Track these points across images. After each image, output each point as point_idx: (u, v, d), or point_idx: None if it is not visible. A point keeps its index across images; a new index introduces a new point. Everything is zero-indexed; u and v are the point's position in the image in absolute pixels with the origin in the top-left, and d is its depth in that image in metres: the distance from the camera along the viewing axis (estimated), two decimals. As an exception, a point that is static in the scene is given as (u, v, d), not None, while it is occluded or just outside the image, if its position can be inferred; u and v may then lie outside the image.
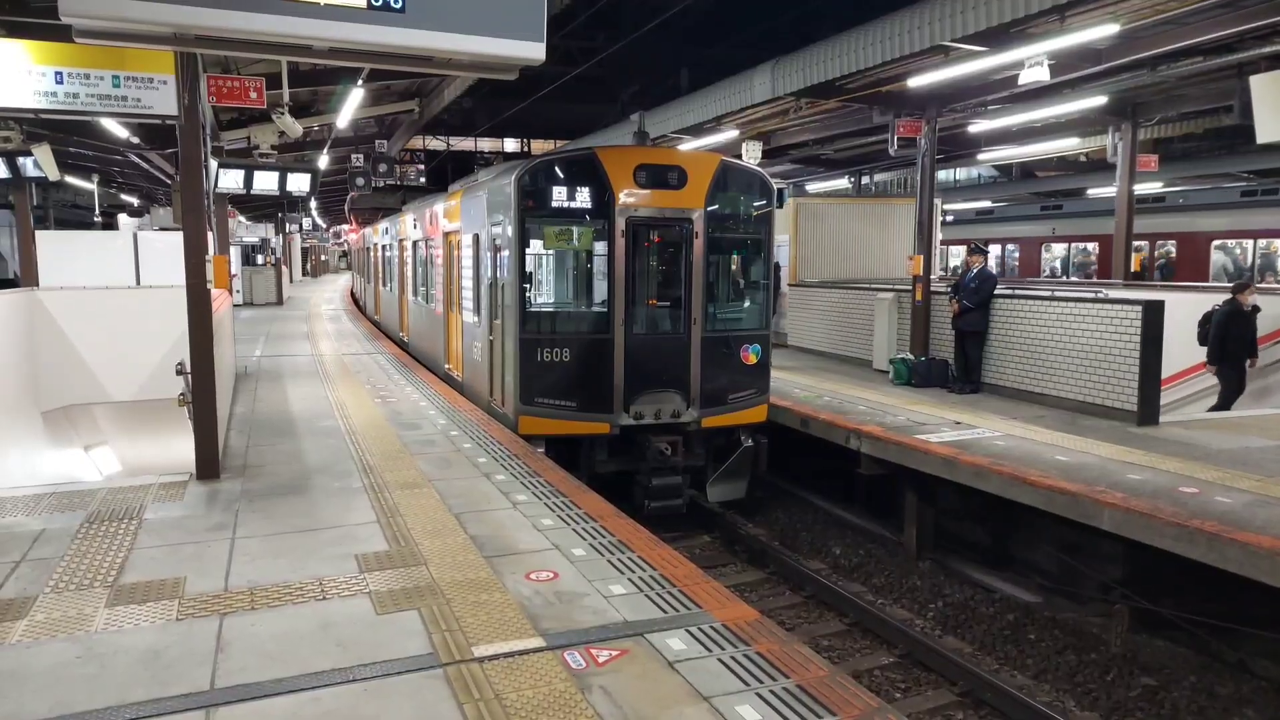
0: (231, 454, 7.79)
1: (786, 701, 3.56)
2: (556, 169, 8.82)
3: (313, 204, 36.74)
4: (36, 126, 11.77)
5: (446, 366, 12.36)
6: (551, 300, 9.37)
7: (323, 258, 65.44)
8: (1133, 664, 6.59)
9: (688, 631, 4.19)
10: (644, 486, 8.92)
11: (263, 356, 15.10)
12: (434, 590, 4.66)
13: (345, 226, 50.81)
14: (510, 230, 8.67)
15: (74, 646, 4.02)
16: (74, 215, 28.66)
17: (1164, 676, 6.41)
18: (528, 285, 8.81)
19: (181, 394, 7.23)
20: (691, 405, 9.02)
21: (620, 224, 8.64)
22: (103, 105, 6.59)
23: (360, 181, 20.06)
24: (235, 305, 18.47)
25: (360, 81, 12.52)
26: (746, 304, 9.74)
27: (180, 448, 8.29)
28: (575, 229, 8.78)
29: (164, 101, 6.64)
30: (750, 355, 9.33)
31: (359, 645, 4.02)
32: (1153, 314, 8.95)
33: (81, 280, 14.25)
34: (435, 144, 40.79)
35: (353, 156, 20.57)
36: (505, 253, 8.85)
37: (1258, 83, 9.42)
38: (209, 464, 6.98)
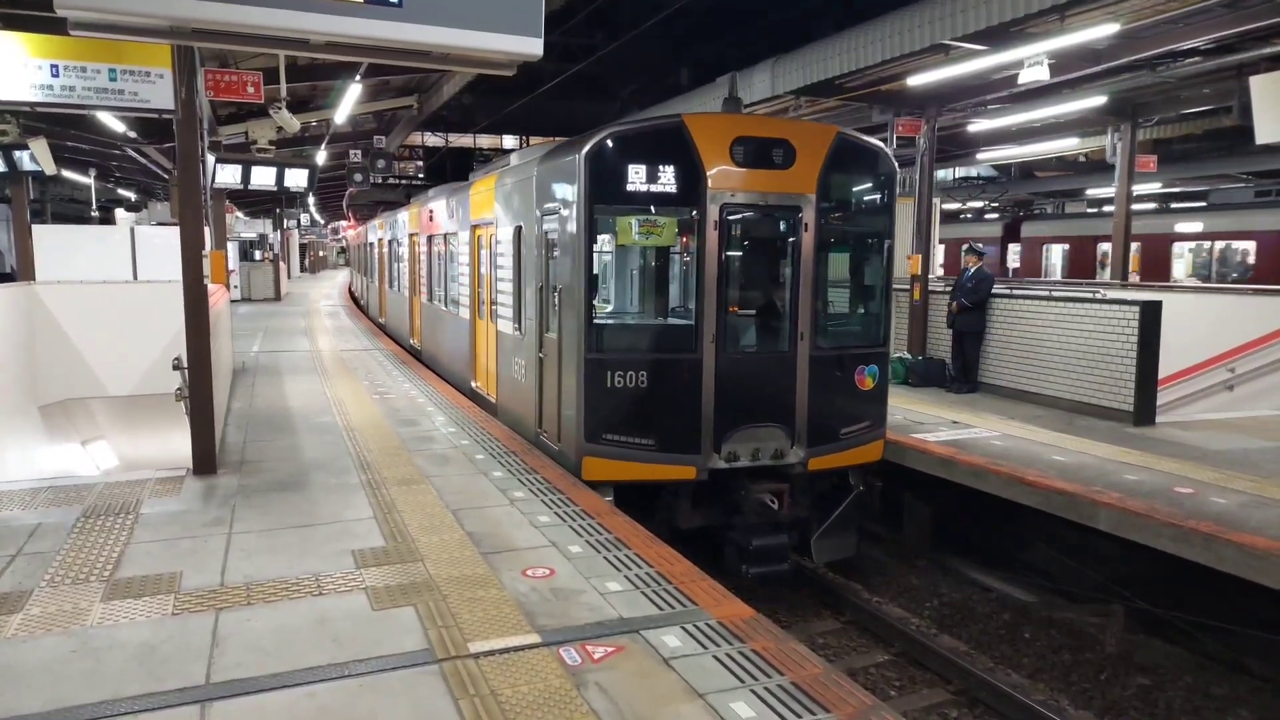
0: (228, 449, 7.78)
1: (781, 699, 3.56)
2: (636, 142, 6.96)
3: (311, 200, 36.69)
4: (33, 120, 11.75)
5: (474, 384, 10.66)
6: (624, 310, 7.86)
7: (321, 254, 65.35)
8: (1128, 663, 6.60)
9: (683, 629, 4.19)
10: (740, 547, 7.18)
11: (260, 352, 15.08)
12: (430, 586, 4.66)
13: (344, 222, 50.75)
14: (574, 221, 6.92)
15: (69, 641, 4.01)
16: (71, 210, 28.63)
17: (1159, 676, 6.42)
18: (594, 291, 7.08)
19: (179, 389, 7.21)
20: (797, 443, 7.28)
21: (713, 213, 6.92)
22: (99, 99, 6.59)
23: (359, 177, 20.06)
24: (233, 301, 18.47)
25: (358, 77, 12.49)
26: (862, 313, 8.03)
27: (177, 443, 8.27)
28: (658, 219, 6.98)
29: (161, 95, 6.64)
30: (866, 378, 7.60)
31: (355, 641, 4.02)
32: (1150, 315, 8.96)
33: (79, 275, 14.21)
34: (434, 140, 40.74)
35: (351, 152, 20.56)
36: (565, 250, 7.18)
37: (1257, 83, 9.43)
38: (206, 459, 6.97)
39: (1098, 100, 12.76)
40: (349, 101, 13.88)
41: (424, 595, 4.54)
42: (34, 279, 12.87)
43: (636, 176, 6.83)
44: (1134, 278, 18.75)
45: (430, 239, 13.72)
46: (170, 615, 4.29)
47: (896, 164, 7.84)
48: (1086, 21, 8.61)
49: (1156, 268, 19.81)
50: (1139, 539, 6.10)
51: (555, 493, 6.47)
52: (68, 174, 21.88)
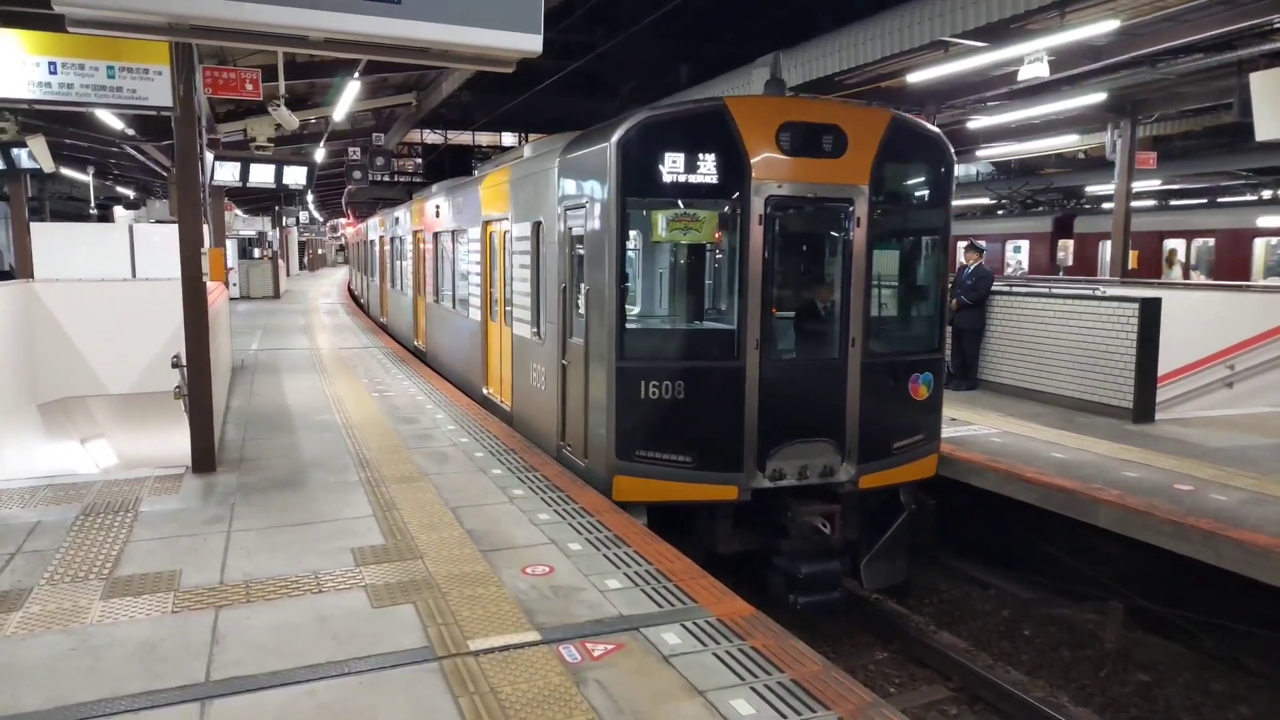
0: (228, 447, 7.77)
1: (781, 696, 3.56)
2: (673, 128, 6.36)
3: (310, 197, 36.66)
4: (31, 117, 11.74)
5: (486, 390, 10.04)
6: (658, 313, 7.20)
7: (320, 251, 65.31)
8: (1127, 660, 6.60)
9: (683, 626, 4.18)
10: (787, 574, 6.56)
11: (259, 350, 15.07)
12: (430, 584, 4.66)
13: (343, 220, 50.71)
14: (603, 216, 6.35)
15: (69, 639, 4.01)
16: (70, 207, 28.60)
17: (1158, 673, 6.43)
18: (626, 293, 6.46)
19: (177, 387, 7.21)
20: (847, 459, 6.68)
21: (757, 206, 6.32)
22: (97, 96, 6.57)
23: (357, 175, 20.04)
24: (232, 299, 18.45)
25: (357, 74, 12.48)
26: (916, 316, 7.43)
27: (176, 441, 8.27)
28: (697, 213, 6.34)
29: (159, 93, 6.62)
30: (920, 387, 7.00)
31: (355, 639, 4.02)
32: (1149, 311, 8.96)
33: (77, 273, 14.20)
34: (433, 138, 40.69)
35: (350, 150, 20.55)
36: (592, 247, 6.58)
37: (1257, 80, 9.43)
38: (205, 457, 6.96)
39: (1097, 97, 12.76)
40: (348, 99, 13.87)
41: (423, 593, 4.54)
42: (32, 277, 12.86)
43: (673, 166, 6.20)
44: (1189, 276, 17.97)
45: (436, 236, 13.06)
46: (170, 613, 4.29)
47: (954, 152, 7.20)
48: (1087, 18, 8.61)
49: (1238, 266, 17.98)
50: (1139, 536, 6.10)
51: (554, 490, 6.46)
52: (66, 172, 21.87)
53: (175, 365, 7.20)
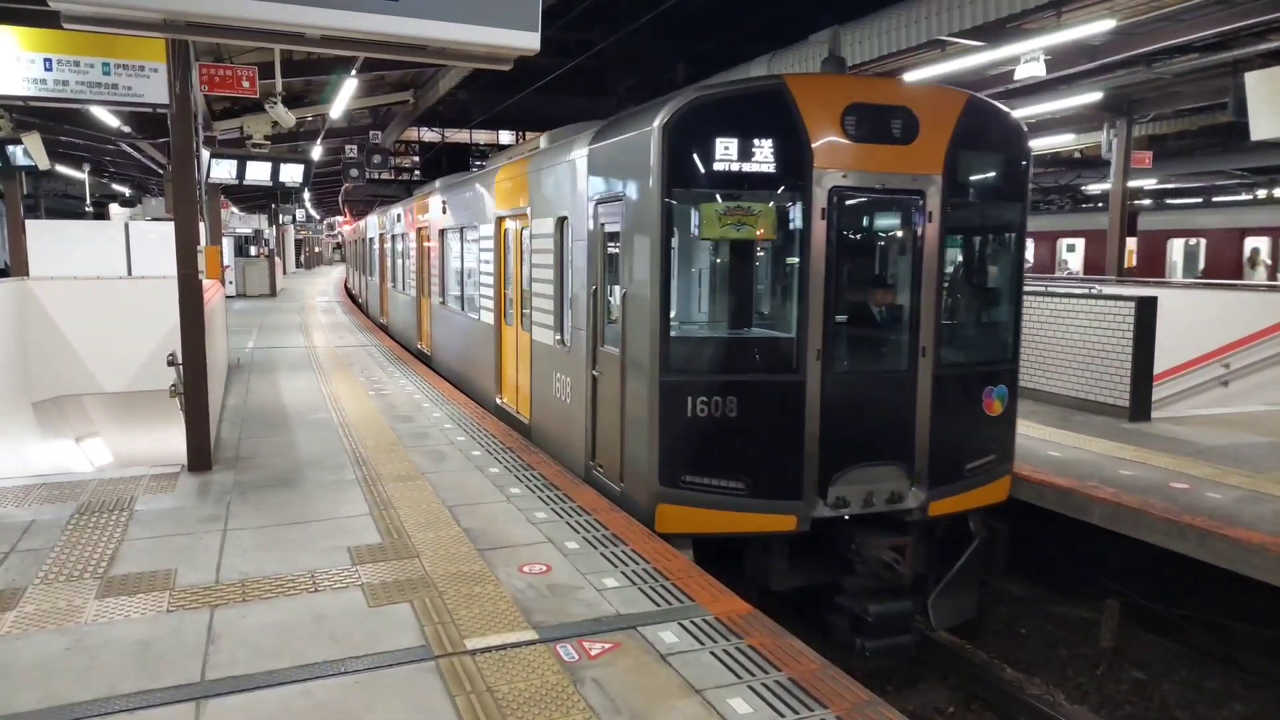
0: (224, 446, 7.76)
1: (778, 694, 3.56)
2: (727, 109, 5.67)
3: (306, 195, 36.61)
4: (26, 114, 11.70)
5: (500, 400, 9.43)
6: (705, 319, 6.49)
7: (316, 249, 65.21)
8: (1123, 658, 6.62)
9: (680, 625, 4.18)
10: (853, 615, 5.90)
11: (256, 348, 15.04)
12: (426, 583, 4.65)
13: (339, 218, 50.64)
14: (645, 210, 5.70)
15: (64, 638, 4.00)
16: (65, 205, 28.52)
17: (1154, 670, 6.44)
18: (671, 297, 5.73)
19: (173, 385, 7.19)
20: (916, 483, 6.00)
21: (820, 197, 5.64)
22: (93, 93, 6.55)
23: (354, 173, 20.00)
24: (228, 297, 18.40)
25: (354, 71, 12.46)
26: (990, 322, 6.75)
27: (172, 439, 8.25)
28: (752, 206, 5.64)
29: (155, 90, 6.60)
30: (994, 402, 6.34)
31: (351, 638, 4.01)
32: (1145, 310, 8.97)
33: (73, 270, 14.16)
34: (430, 136, 40.64)
35: (346, 147, 20.51)
36: (631, 245, 5.95)
37: (1253, 80, 9.45)
38: (201, 456, 6.95)
39: (1093, 96, 12.78)
40: (344, 96, 13.85)
41: (420, 592, 4.53)
42: (27, 274, 12.82)
43: (726, 152, 5.50)
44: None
45: (443, 234, 12.30)
46: (165, 612, 4.28)
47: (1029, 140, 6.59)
48: (1083, 18, 8.62)
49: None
50: (1134, 534, 6.11)
51: (552, 489, 6.46)
52: (61, 169, 21.80)
53: (171, 363, 7.18)
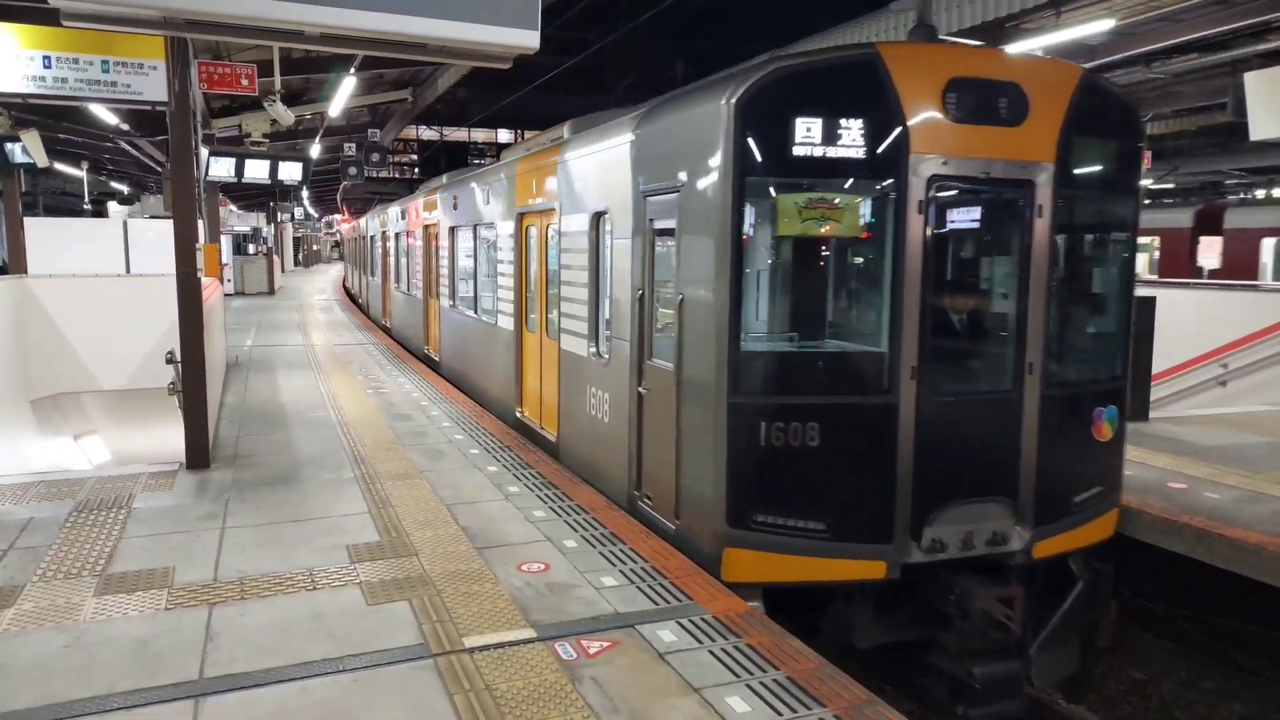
0: (222, 444, 7.75)
1: (776, 693, 3.57)
2: (811, 84, 4.85)
3: (305, 193, 36.61)
4: (24, 112, 11.68)
5: (521, 413, 8.65)
6: (778, 330, 5.49)
7: (315, 247, 65.20)
8: (1121, 657, 6.63)
9: (679, 623, 4.19)
10: (953, 678, 5.11)
11: (254, 346, 15.03)
12: (425, 581, 4.65)
13: (338, 216, 50.61)
14: (711, 203, 4.90)
15: (62, 636, 4.00)
16: (63, 202, 28.52)
17: (1152, 670, 6.45)
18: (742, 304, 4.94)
19: (171, 383, 7.19)
20: (1021, 521, 5.19)
21: (917, 187, 4.86)
22: (91, 90, 6.55)
23: (353, 171, 19.98)
24: (226, 295, 18.39)
25: (352, 70, 12.46)
26: (1099, 333, 5.95)
27: (170, 437, 8.25)
28: (836, 198, 4.87)
29: (154, 87, 6.60)
30: (1104, 425, 5.56)
31: (349, 636, 4.01)
32: (1143, 310, 8.97)
33: (71, 268, 14.16)
34: (429, 134, 40.63)
35: (345, 145, 20.49)
36: (692, 244, 5.16)
37: (1251, 80, 9.46)
38: (199, 453, 6.95)
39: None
40: (343, 95, 13.85)
41: (419, 590, 4.53)
42: (26, 272, 12.81)
43: (808, 134, 4.71)
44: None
45: (454, 231, 11.56)
46: (163, 610, 4.28)
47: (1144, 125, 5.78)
48: (1082, 17, 8.63)
49: None
50: (1132, 533, 6.12)
51: (550, 488, 6.46)
52: (60, 167, 21.79)
53: (169, 361, 7.18)
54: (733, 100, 4.71)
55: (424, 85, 16.39)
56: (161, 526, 5.53)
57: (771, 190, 4.87)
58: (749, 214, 4.88)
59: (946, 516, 5.02)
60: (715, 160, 4.84)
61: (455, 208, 11.42)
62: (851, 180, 4.88)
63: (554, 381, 7.54)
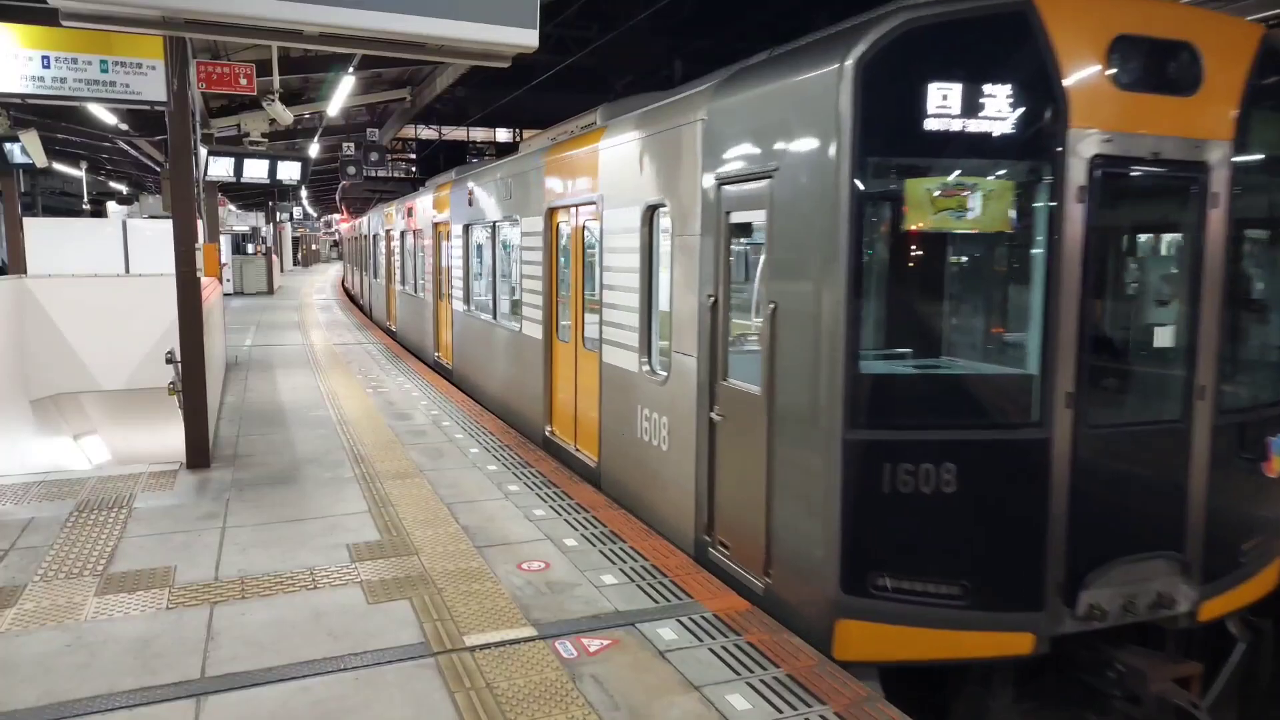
0: (222, 443, 7.76)
1: (777, 690, 3.58)
2: (951, 38, 3.91)
3: (304, 193, 36.61)
4: (23, 112, 11.69)
5: (552, 432, 7.73)
6: (900, 349, 4.47)
7: (314, 247, 65.20)
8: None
9: (679, 621, 4.19)
10: None
11: (253, 346, 15.03)
12: (425, 580, 4.66)
13: (337, 215, 50.61)
14: (818, 187, 4.01)
15: (63, 635, 4.00)
16: (62, 203, 28.52)
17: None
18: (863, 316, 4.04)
19: (171, 383, 7.19)
20: (1189, 577, 4.29)
21: (1077, 170, 3.97)
22: (90, 90, 6.55)
23: (352, 170, 19.99)
24: (226, 294, 18.40)
25: (351, 69, 12.46)
26: (1272, 346, 5.03)
27: (170, 437, 8.25)
28: (979, 182, 3.97)
29: (153, 87, 6.61)
30: (1276, 459, 4.71)
31: (350, 634, 4.02)
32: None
33: (70, 268, 14.16)
34: (427, 133, 40.63)
35: (344, 145, 20.50)
36: (791, 239, 4.26)
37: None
38: (199, 453, 6.95)
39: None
40: (342, 94, 13.85)
41: (419, 589, 4.54)
42: (25, 272, 12.81)
43: (944, 104, 3.83)
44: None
45: (468, 229, 10.75)
46: (164, 609, 4.28)
47: None
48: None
49: None
50: None
51: (550, 486, 6.47)
52: (59, 167, 21.80)
53: (169, 361, 7.19)
54: (853, 61, 3.80)
55: (422, 84, 16.38)
56: (162, 526, 5.54)
57: (898, 173, 3.99)
58: (868, 202, 3.97)
59: (1107, 577, 4.10)
60: (828, 137, 3.92)
61: (471, 203, 10.56)
62: (996, 161, 3.99)
63: (593, 399, 6.69)
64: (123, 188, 29.85)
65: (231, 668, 3.71)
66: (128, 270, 17.95)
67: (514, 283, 8.93)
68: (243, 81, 9.91)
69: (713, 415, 4.95)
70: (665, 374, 5.56)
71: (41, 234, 16.42)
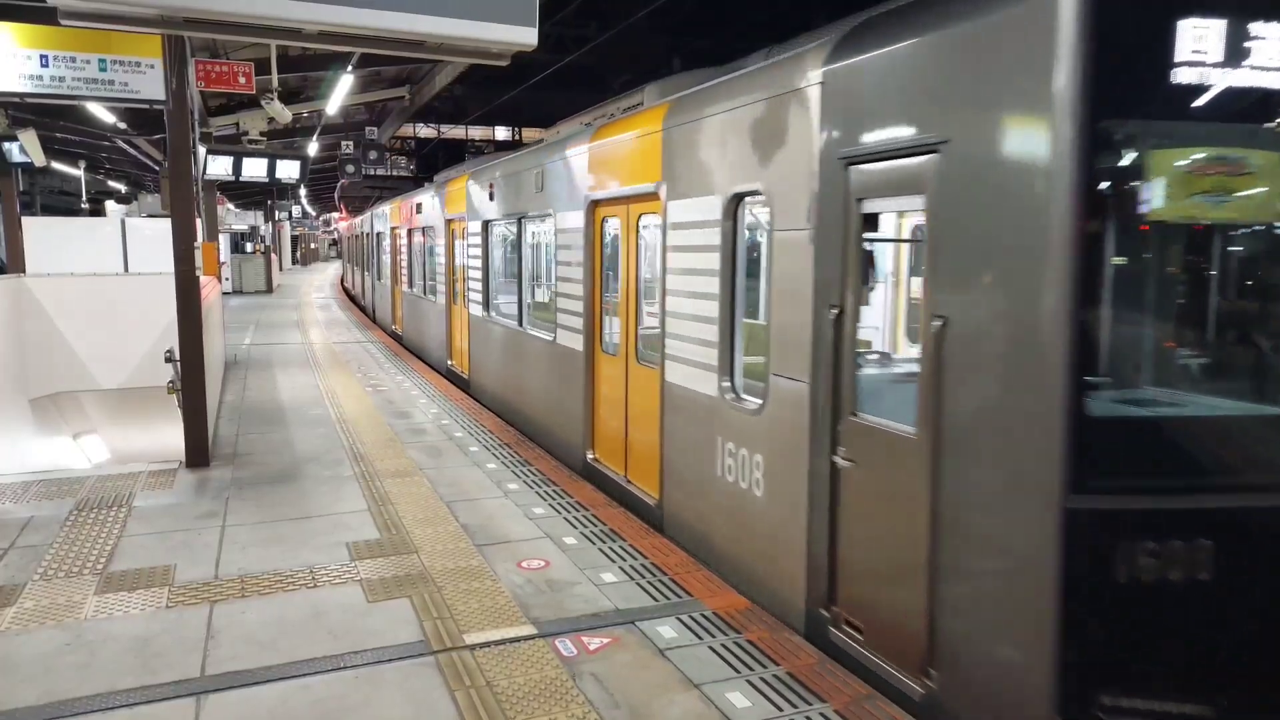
0: (221, 442, 7.76)
1: (777, 688, 3.58)
2: None
3: (302, 191, 36.59)
4: (22, 111, 11.67)
5: (594, 457, 6.87)
6: (1135, 382, 3.28)
7: (312, 246, 65.17)
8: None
9: (679, 619, 4.20)
10: None
11: (252, 344, 15.03)
12: (425, 578, 4.66)
13: (335, 214, 50.58)
14: (1031, 161, 2.95)
15: (63, 634, 4.01)
16: (61, 202, 28.49)
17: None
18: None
19: (171, 381, 7.19)
20: None
21: None
22: (89, 89, 6.55)
23: (350, 169, 19.96)
24: (224, 293, 18.39)
25: (350, 67, 12.45)
26: None
27: (169, 436, 8.25)
28: (1247, 156, 2.95)
29: (151, 86, 6.60)
30: None
31: (350, 633, 4.02)
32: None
33: (69, 267, 14.15)
34: (426, 132, 40.61)
35: (343, 144, 20.48)
36: (965, 233, 3.25)
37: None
38: (198, 452, 6.95)
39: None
40: (341, 92, 13.84)
41: (419, 587, 4.54)
42: (24, 271, 12.80)
43: (1199, 50, 2.85)
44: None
45: (487, 226, 9.83)
46: (164, 608, 4.29)
47: None
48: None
49: None
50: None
51: (549, 484, 6.47)
52: (57, 165, 21.77)
53: (169, 360, 7.18)
54: None
55: (421, 83, 16.37)
56: (162, 525, 5.54)
57: (1139, 142, 2.94)
58: (1109, 179, 2.95)
59: None
60: (1037, 93, 2.91)
61: (491, 198, 9.56)
62: (1271, 127, 2.98)
63: (652, 423, 5.78)
64: (121, 187, 29.82)
65: (231, 666, 3.71)
66: (127, 269, 17.93)
67: (550, 286, 7.93)
68: (241, 80, 9.91)
69: (836, 459, 3.94)
70: (759, 401, 4.56)
71: (40, 233, 16.39)
